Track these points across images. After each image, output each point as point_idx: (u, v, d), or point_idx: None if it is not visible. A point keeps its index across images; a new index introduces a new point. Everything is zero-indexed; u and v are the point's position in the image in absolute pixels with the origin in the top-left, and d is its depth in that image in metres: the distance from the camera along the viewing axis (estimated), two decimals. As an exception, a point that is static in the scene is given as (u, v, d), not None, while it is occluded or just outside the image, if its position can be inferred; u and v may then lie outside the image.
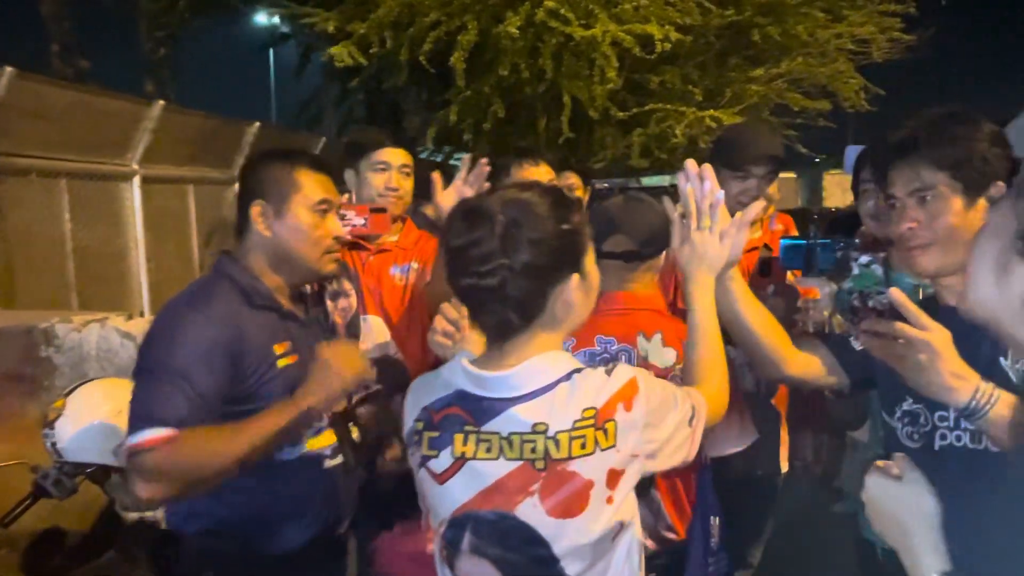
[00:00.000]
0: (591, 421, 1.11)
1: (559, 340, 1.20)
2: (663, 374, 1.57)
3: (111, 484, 1.98)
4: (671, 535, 1.65)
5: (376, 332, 2.26)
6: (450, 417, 1.17)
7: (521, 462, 1.12)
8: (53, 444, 1.91)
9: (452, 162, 12.38)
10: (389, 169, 2.29)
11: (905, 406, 1.38)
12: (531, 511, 1.12)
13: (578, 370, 1.15)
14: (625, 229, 1.67)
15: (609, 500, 1.13)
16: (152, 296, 5.81)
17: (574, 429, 1.10)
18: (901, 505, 0.95)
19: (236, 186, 7.27)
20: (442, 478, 1.17)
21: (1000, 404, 1.10)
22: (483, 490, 1.14)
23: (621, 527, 1.16)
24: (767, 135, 2.36)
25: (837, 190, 19.30)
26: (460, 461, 1.15)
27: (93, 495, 2.04)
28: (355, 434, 1.69)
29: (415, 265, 2.40)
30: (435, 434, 1.18)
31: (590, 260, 1.20)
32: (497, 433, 1.13)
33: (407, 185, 2.32)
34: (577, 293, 1.17)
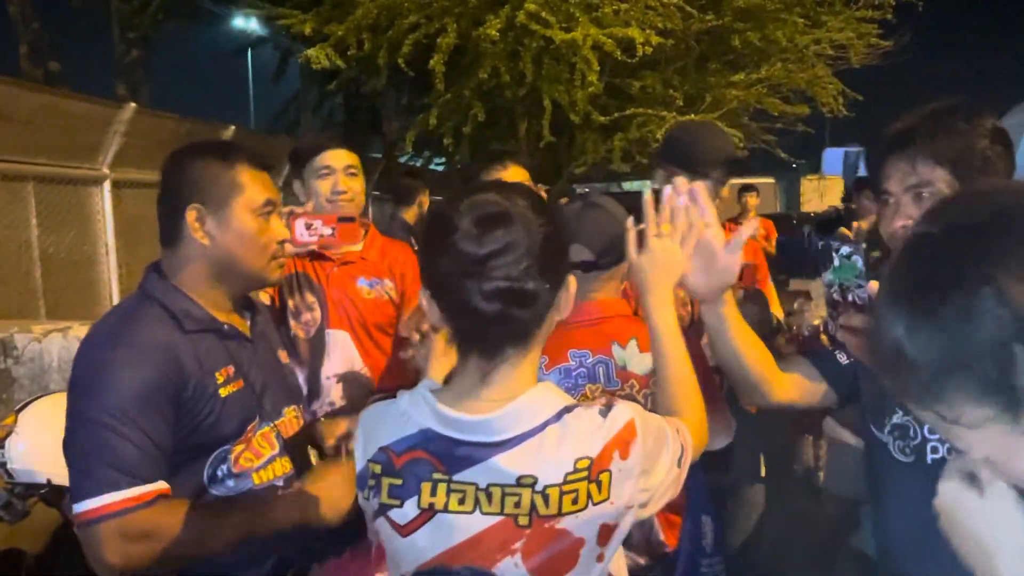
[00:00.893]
0: (584, 473, 0.98)
1: (536, 365, 1.08)
2: (645, 381, 1.50)
3: (68, 504, 1.88)
4: (662, 549, 1.58)
5: (341, 347, 2.20)
6: (416, 462, 1.01)
7: (502, 517, 0.98)
8: (2, 464, 1.80)
9: (432, 167, 12.34)
10: (333, 173, 2.16)
11: (895, 419, 1.32)
12: (512, 570, 0.99)
13: (568, 409, 1.02)
14: (583, 238, 1.58)
15: (600, 558, 1.02)
16: (123, 303, 5.69)
17: (565, 483, 0.97)
18: (985, 525, 0.79)
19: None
20: (406, 530, 1.02)
21: None
22: (455, 545, 1.00)
23: None
24: (722, 136, 2.30)
25: (815, 195, 19.46)
26: (428, 512, 1.00)
27: (53, 515, 1.95)
28: (314, 459, 1.53)
29: (389, 283, 2.29)
30: (397, 481, 1.02)
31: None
32: (474, 484, 0.99)
33: (356, 186, 2.18)
34: (570, 298, 1.07)
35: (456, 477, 1.00)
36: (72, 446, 1.27)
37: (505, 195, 1.02)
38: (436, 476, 1.00)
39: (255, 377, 1.44)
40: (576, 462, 0.98)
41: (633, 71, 8.51)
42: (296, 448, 1.49)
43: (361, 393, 2.21)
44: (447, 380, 1.13)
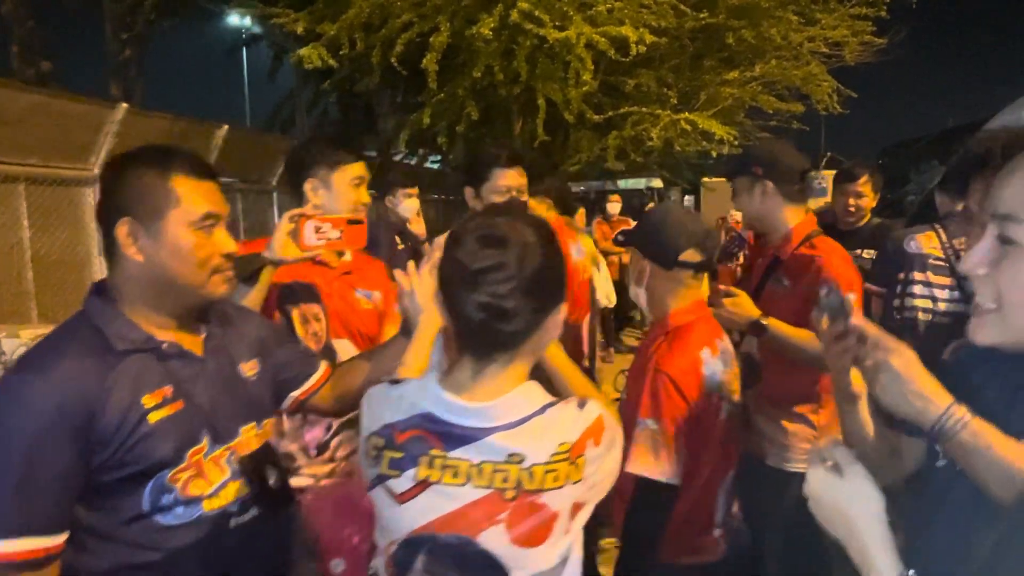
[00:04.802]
0: (565, 456, 1.13)
1: (528, 369, 1.21)
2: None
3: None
4: None
5: (346, 357, 2.11)
6: (416, 439, 1.15)
7: (490, 490, 1.12)
8: None
9: (427, 165, 12.32)
10: (363, 184, 2.14)
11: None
12: (495, 538, 1.12)
13: (551, 403, 1.17)
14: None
15: (567, 531, 1.16)
16: (117, 304, 5.66)
17: (549, 462, 1.12)
18: (845, 499, 0.93)
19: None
20: (402, 498, 1.15)
21: (970, 429, 1.03)
22: (446, 514, 1.13)
23: (569, 549, 1.18)
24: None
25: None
26: (423, 484, 1.14)
27: None
28: (272, 479, 1.43)
29: (378, 294, 2.25)
30: (398, 455, 1.15)
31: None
32: (467, 460, 1.13)
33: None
34: (561, 319, 1.20)
35: (451, 454, 1.13)
36: None
37: (512, 222, 1.15)
38: (433, 452, 1.13)
39: (201, 397, 1.34)
40: (559, 445, 1.13)
41: (628, 69, 8.50)
42: (251, 467, 1.40)
43: None
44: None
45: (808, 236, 2.34)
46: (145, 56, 8.92)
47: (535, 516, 1.12)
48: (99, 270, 5.67)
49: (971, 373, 1.09)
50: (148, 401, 1.28)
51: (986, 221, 1.04)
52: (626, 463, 1.68)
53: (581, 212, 6.76)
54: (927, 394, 1.06)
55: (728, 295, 2.19)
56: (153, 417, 1.27)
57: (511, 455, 1.11)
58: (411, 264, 1.55)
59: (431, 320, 1.50)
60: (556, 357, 1.45)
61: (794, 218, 2.37)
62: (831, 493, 0.94)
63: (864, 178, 3.52)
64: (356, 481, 1.31)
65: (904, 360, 1.08)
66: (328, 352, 2.13)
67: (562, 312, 1.19)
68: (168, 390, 1.30)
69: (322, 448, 2.12)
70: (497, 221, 1.15)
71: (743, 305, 2.19)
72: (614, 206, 8.25)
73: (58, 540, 1.22)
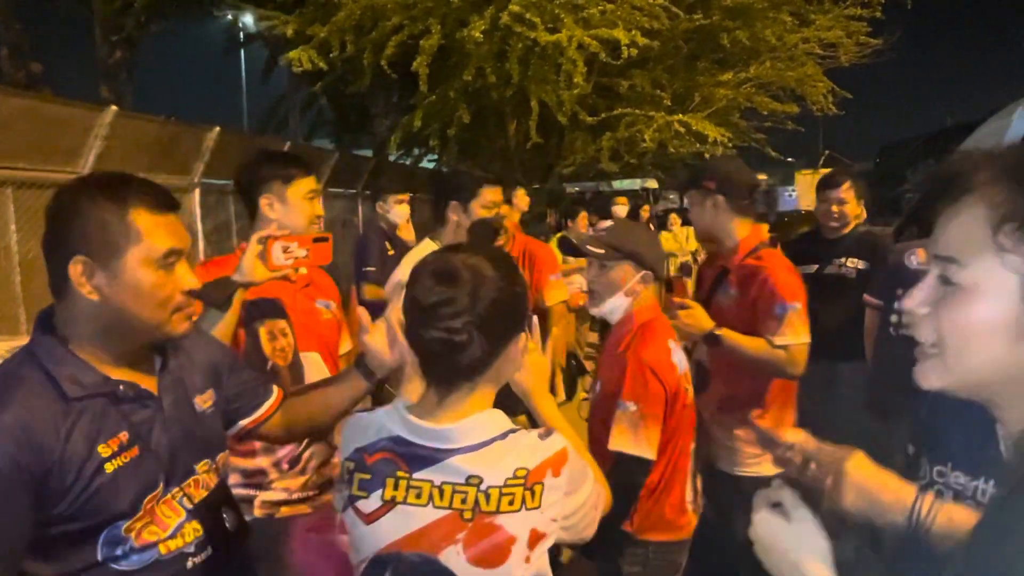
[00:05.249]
0: (521, 481, 1.17)
1: (492, 396, 1.26)
2: None
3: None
4: None
5: (316, 369, 2.18)
6: (383, 462, 1.20)
7: (450, 511, 1.16)
8: None
9: (423, 164, 12.30)
10: (316, 197, 2.17)
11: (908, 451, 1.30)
12: (454, 558, 1.16)
13: (513, 430, 1.21)
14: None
15: (527, 559, 1.18)
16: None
17: (505, 486, 1.16)
18: (791, 543, 0.92)
19: (196, 195, 7.07)
20: (369, 518, 1.20)
21: (943, 516, 1.02)
22: (409, 533, 1.18)
23: None
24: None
25: (809, 190, 19.43)
26: (389, 504, 1.19)
27: None
28: (228, 520, 1.40)
29: (334, 304, 2.30)
30: (366, 476, 1.21)
31: (529, 322, 1.30)
32: (429, 481, 1.17)
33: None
34: (521, 351, 1.26)
35: (415, 475, 1.18)
36: None
37: (469, 257, 1.19)
38: (399, 474, 1.19)
39: (158, 441, 1.28)
40: (516, 471, 1.17)
41: (622, 70, 8.48)
42: (207, 510, 1.35)
43: None
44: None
45: (755, 248, 2.44)
46: (136, 58, 8.89)
47: (491, 537, 1.16)
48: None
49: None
50: (104, 451, 1.20)
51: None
52: (608, 442, 1.86)
53: (583, 216, 6.68)
54: (891, 494, 1.06)
55: (683, 307, 2.27)
56: (109, 467, 1.20)
57: (470, 477, 1.16)
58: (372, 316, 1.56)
59: (540, 376, 1.47)
60: (544, 405, 1.45)
61: (743, 230, 2.49)
62: (777, 537, 0.94)
63: (846, 185, 3.49)
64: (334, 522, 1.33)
65: (857, 465, 1.07)
66: (296, 367, 2.13)
67: (522, 342, 1.25)
68: (124, 436, 1.23)
69: (294, 462, 2.12)
70: (452, 258, 1.20)
71: (697, 317, 2.28)
72: (621, 208, 7.56)
73: None
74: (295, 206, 2.10)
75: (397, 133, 8.17)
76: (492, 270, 1.18)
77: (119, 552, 1.23)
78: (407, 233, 4.79)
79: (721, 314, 2.37)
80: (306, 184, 2.11)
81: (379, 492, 1.19)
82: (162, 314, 1.26)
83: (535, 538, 1.18)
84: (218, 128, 6.79)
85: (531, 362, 1.41)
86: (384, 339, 1.49)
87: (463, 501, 1.16)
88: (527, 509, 1.16)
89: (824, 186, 3.59)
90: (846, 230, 3.59)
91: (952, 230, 0.81)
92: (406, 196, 4.71)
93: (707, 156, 9.38)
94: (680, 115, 8.53)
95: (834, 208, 3.54)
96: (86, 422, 1.20)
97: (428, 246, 2.67)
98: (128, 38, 8.41)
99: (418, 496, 1.17)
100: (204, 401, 1.43)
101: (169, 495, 1.30)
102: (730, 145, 8.90)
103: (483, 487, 1.16)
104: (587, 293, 2.16)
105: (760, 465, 2.31)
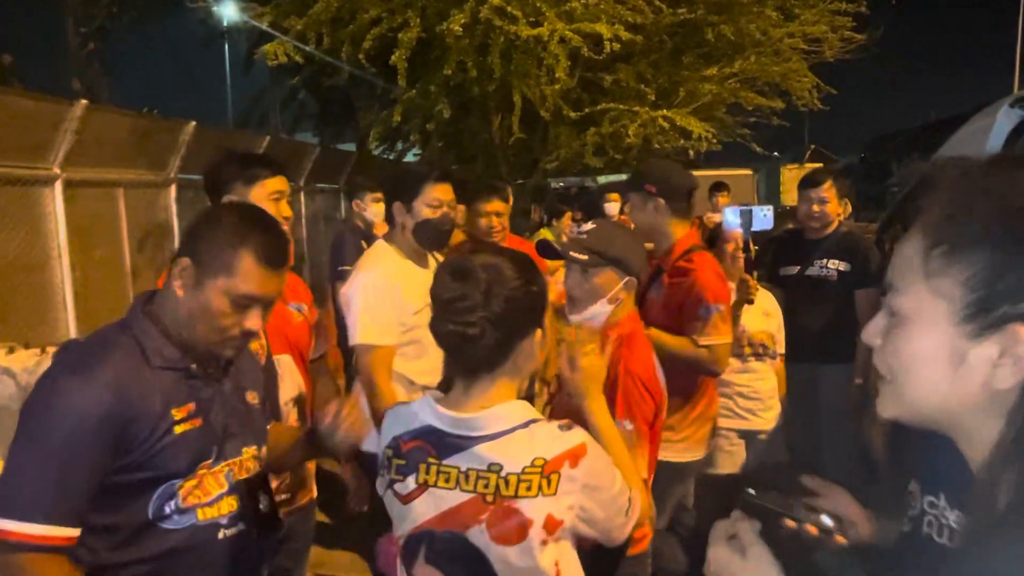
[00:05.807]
0: (539, 469, 1.27)
1: (516, 389, 1.38)
2: None
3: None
4: None
5: (289, 371, 2.20)
6: (416, 449, 1.35)
7: (474, 494, 1.29)
8: None
9: (407, 158, 12.18)
10: (282, 198, 2.19)
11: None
12: (479, 536, 1.30)
13: (535, 420, 1.32)
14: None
15: (544, 542, 1.29)
16: (77, 308, 5.52)
17: (523, 473, 1.27)
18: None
19: (172, 191, 6.96)
20: (406, 499, 1.36)
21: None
22: (440, 513, 1.32)
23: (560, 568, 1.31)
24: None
25: (794, 184, 19.46)
26: (423, 487, 1.34)
27: None
28: (263, 503, 1.58)
29: (305, 306, 2.35)
30: (402, 462, 1.36)
31: (549, 318, 1.45)
32: (456, 467, 1.31)
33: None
34: (538, 346, 1.36)
35: (444, 461, 1.32)
36: (7, 459, 1.33)
37: (490, 258, 1.32)
38: (430, 460, 1.33)
39: (216, 417, 1.48)
40: (534, 460, 1.28)
41: (606, 65, 8.38)
42: (246, 490, 1.54)
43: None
44: (444, 389, 1.43)
45: (688, 250, 2.59)
46: (111, 50, 8.71)
47: (511, 519, 1.28)
48: (58, 273, 5.53)
49: None
50: (177, 414, 1.41)
51: None
52: None
53: (568, 216, 6.52)
54: None
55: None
56: (178, 429, 1.41)
57: (491, 464, 1.29)
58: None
59: (596, 379, 1.62)
60: (596, 408, 1.57)
61: (679, 232, 2.65)
62: (732, 572, 0.92)
63: (827, 184, 3.44)
64: None
65: None
66: (270, 369, 2.13)
67: (537, 338, 1.36)
68: (191, 406, 1.44)
69: (257, 485, 2.18)
70: (472, 257, 1.32)
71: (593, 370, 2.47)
72: (613, 205, 6.95)
73: (76, 532, 1.34)
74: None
75: (377, 128, 8.04)
76: (509, 269, 1.30)
77: (167, 510, 1.41)
78: (383, 231, 4.70)
79: (653, 311, 2.50)
80: (272, 185, 2.11)
81: (414, 476, 1.34)
82: (215, 337, 1.45)
83: (551, 523, 1.28)
84: (194, 123, 6.67)
85: (587, 364, 1.56)
86: (359, 421, 1.65)
87: (486, 486, 1.28)
88: (543, 496, 1.27)
89: (805, 185, 3.54)
90: (829, 229, 3.54)
91: (896, 256, 0.79)
92: (382, 194, 4.62)
93: (692, 155, 9.33)
94: (665, 110, 8.45)
95: (815, 208, 3.49)
96: (166, 387, 1.41)
97: (383, 249, 2.61)
98: (100, 29, 8.22)
99: (447, 480, 1.31)
100: (254, 397, 1.64)
101: (217, 467, 1.48)
102: (715, 141, 8.84)
103: (503, 473, 1.27)
104: (567, 299, 2.09)
105: (668, 452, 2.47)
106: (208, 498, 1.46)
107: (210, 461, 1.46)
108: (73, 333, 5.39)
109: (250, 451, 1.57)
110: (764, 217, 2.67)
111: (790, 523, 0.96)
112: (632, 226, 2.73)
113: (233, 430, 1.52)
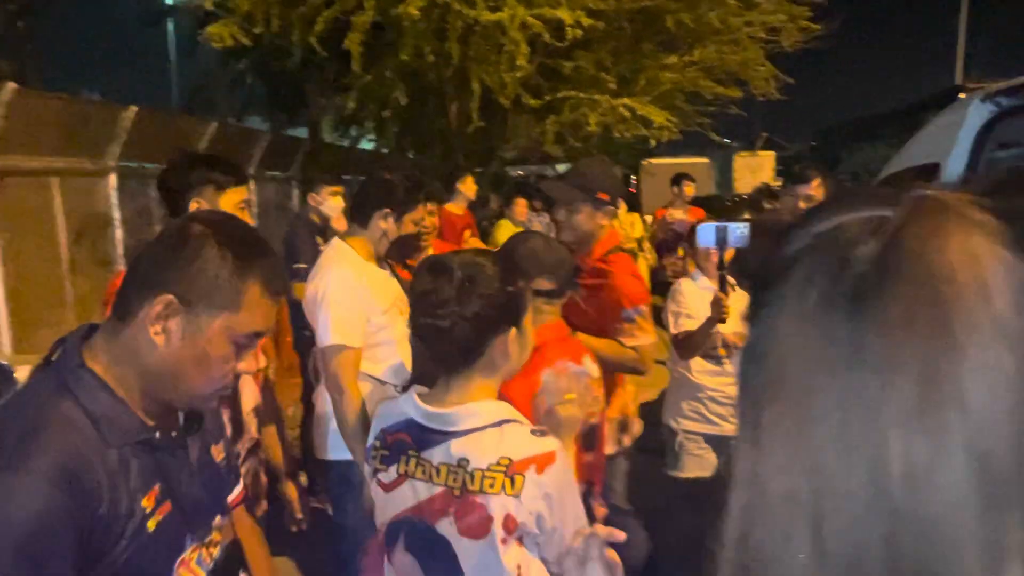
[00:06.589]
0: (503, 469, 1.31)
1: (495, 387, 1.42)
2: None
3: None
4: None
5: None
6: (399, 441, 1.42)
7: (444, 487, 1.35)
8: None
9: (360, 146, 11.86)
10: (247, 208, 2.17)
11: None
12: (448, 527, 1.35)
13: (509, 420, 1.36)
14: (547, 270, 1.99)
15: (504, 541, 1.32)
16: (10, 303, 5.19)
17: (487, 470, 1.31)
18: None
19: (112, 179, 6.59)
20: (387, 488, 1.43)
21: None
22: (417, 503, 1.38)
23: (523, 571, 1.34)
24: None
25: (747, 172, 19.67)
26: (403, 477, 1.40)
27: None
28: None
29: None
30: (386, 453, 1.44)
31: (528, 319, 1.43)
32: (430, 461, 1.37)
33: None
34: (513, 345, 1.39)
35: (422, 454, 1.38)
36: None
37: (469, 256, 1.36)
38: (410, 452, 1.40)
39: (185, 492, 1.17)
40: (500, 459, 1.31)
41: (566, 52, 8.23)
42: (223, 572, 1.26)
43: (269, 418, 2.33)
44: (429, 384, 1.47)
45: (609, 251, 2.61)
46: (41, 29, 8.20)
47: (474, 513, 1.32)
48: (-13, 268, 5.18)
49: None
50: (147, 504, 1.10)
51: None
52: None
53: (521, 203, 6.37)
54: None
55: None
56: (151, 524, 1.10)
57: (460, 459, 1.34)
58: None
59: None
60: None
61: (603, 232, 2.66)
62: None
63: (816, 181, 3.34)
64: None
65: None
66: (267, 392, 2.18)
67: (511, 336, 1.38)
68: (157, 488, 1.13)
69: None
70: (452, 256, 1.37)
71: None
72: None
73: None
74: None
75: (330, 117, 7.75)
76: (489, 267, 1.34)
77: None
78: (341, 226, 4.49)
79: (574, 310, 2.47)
80: (238, 194, 2.08)
81: (395, 467, 1.41)
82: (208, 388, 1.16)
83: (509, 523, 1.31)
84: (134, 108, 6.31)
85: (566, 413, 1.58)
86: None
87: (454, 480, 1.34)
88: (507, 494, 1.30)
89: (793, 181, 3.44)
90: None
91: None
92: (340, 188, 4.41)
93: (653, 144, 9.27)
94: (625, 99, 8.35)
95: (802, 205, 3.40)
96: (129, 469, 1.08)
97: (344, 249, 2.54)
98: (28, 7, 7.71)
99: (423, 472, 1.37)
100: (219, 452, 1.36)
101: (189, 555, 1.19)
102: (675, 130, 8.79)
103: (469, 468, 1.32)
104: None
105: None
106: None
107: (186, 553, 1.18)
108: (5, 333, 5.07)
109: (218, 522, 1.30)
110: (740, 235, 2.55)
111: None
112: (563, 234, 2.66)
113: (202, 505, 1.24)
